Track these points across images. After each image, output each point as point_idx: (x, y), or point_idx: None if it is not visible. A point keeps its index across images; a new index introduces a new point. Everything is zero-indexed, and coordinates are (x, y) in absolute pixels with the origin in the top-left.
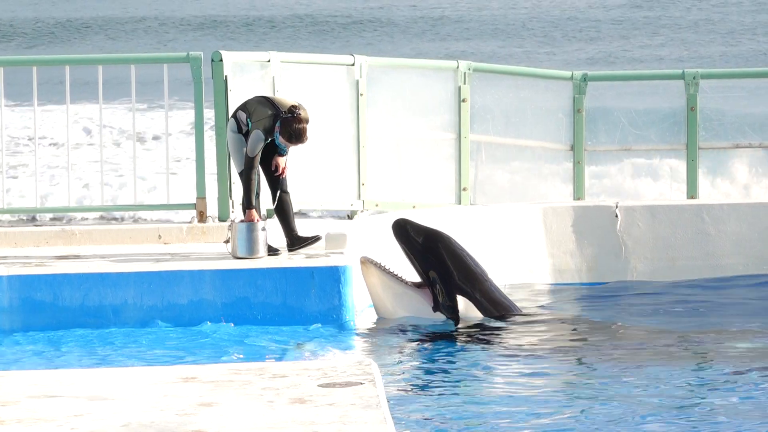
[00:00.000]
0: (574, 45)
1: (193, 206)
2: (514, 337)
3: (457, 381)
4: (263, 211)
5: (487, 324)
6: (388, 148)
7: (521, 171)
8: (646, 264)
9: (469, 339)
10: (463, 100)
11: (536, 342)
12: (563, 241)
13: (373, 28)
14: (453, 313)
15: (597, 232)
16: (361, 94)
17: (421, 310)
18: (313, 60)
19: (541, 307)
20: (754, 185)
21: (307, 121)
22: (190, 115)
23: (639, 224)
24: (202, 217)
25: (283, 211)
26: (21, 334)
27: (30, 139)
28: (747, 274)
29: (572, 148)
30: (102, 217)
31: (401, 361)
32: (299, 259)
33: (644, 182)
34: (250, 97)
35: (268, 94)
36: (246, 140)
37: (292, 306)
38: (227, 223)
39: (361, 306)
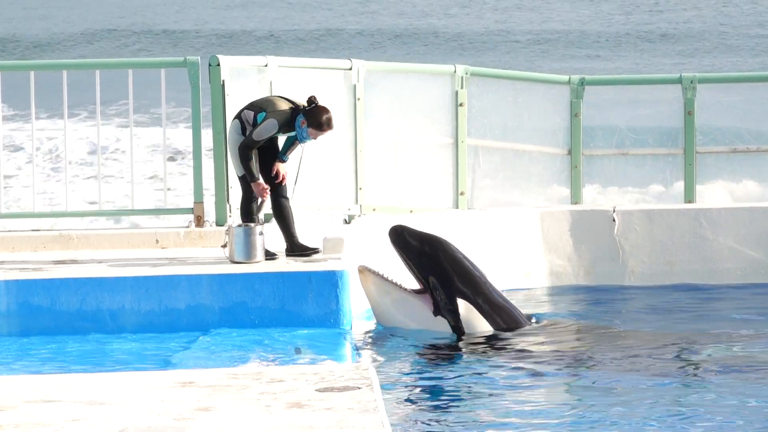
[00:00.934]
0: None
1: (191, 211)
2: (513, 344)
3: (455, 386)
4: (261, 216)
5: (486, 332)
6: (386, 152)
7: (518, 175)
8: (644, 268)
9: (467, 346)
10: (461, 105)
11: (535, 349)
12: (560, 245)
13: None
14: (454, 317)
15: (594, 236)
16: (359, 99)
17: (422, 315)
18: (311, 64)
19: (539, 312)
20: (752, 190)
21: (330, 110)
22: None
23: (636, 228)
24: (199, 221)
25: (282, 216)
26: (19, 339)
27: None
28: (746, 282)
29: (570, 152)
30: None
31: (399, 366)
32: (297, 264)
33: (642, 186)
34: (249, 100)
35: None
36: None
37: (290, 310)
38: (225, 228)
39: (358, 310)
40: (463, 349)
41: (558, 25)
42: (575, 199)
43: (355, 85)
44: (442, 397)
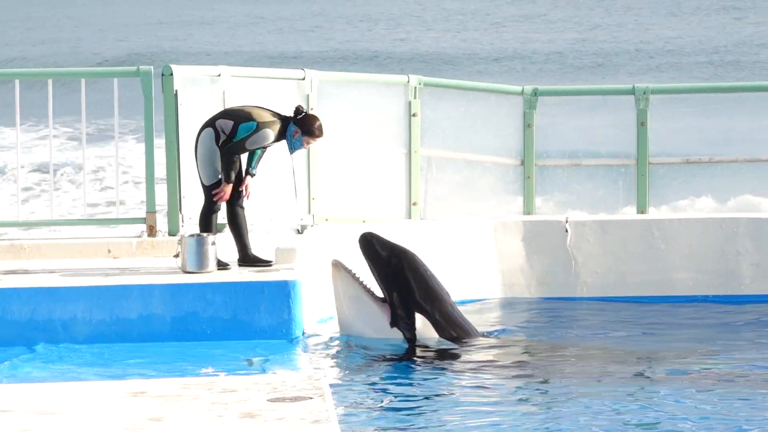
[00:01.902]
0: None
1: (143, 221)
2: (466, 356)
3: (407, 396)
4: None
5: (439, 343)
6: (339, 162)
7: (472, 186)
8: (596, 279)
9: (420, 357)
10: (414, 115)
11: (487, 361)
12: (513, 255)
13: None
14: (409, 330)
15: (547, 246)
16: (312, 109)
17: (379, 323)
18: (264, 74)
19: (491, 323)
20: (705, 201)
21: (319, 117)
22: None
23: (589, 239)
24: (152, 231)
25: (237, 225)
26: None
27: None
28: (698, 293)
29: (522, 162)
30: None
31: (351, 376)
32: (249, 274)
33: (594, 197)
34: (202, 110)
35: (220, 107)
36: (220, 152)
37: (242, 320)
38: (177, 238)
39: (311, 321)
40: (416, 360)
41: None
42: (528, 209)
43: (308, 95)
44: (394, 407)
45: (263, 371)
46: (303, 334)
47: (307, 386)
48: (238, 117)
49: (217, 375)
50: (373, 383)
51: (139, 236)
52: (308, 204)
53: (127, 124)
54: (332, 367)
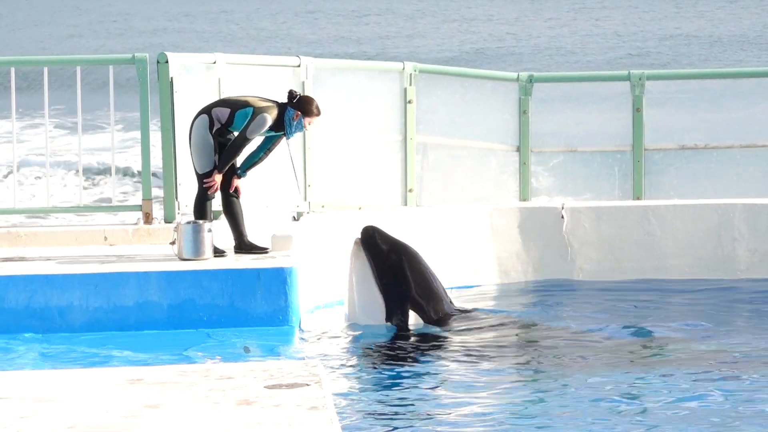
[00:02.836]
0: None
1: (139, 208)
2: (462, 341)
3: (404, 383)
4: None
5: (434, 330)
6: (335, 149)
7: (467, 172)
8: (592, 265)
9: (417, 343)
10: (409, 102)
11: (485, 347)
12: (509, 242)
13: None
14: (403, 328)
15: (543, 233)
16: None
17: (377, 313)
18: (259, 62)
19: (487, 309)
20: (700, 186)
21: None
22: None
23: (585, 225)
24: (147, 218)
25: (232, 213)
26: None
27: None
28: (693, 278)
29: (518, 149)
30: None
31: (348, 363)
32: (245, 261)
33: (590, 183)
34: (198, 97)
35: (215, 94)
36: (214, 141)
37: (239, 307)
38: (173, 225)
39: (307, 307)
40: (415, 347)
41: None
42: (524, 195)
43: (303, 82)
44: (391, 394)
45: (260, 358)
46: (299, 321)
47: (303, 373)
48: (235, 105)
49: (214, 362)
50: (370, 369)
51: (136, 224)
52: (304, 191)
53: (117, 114)
54: (329, 353)
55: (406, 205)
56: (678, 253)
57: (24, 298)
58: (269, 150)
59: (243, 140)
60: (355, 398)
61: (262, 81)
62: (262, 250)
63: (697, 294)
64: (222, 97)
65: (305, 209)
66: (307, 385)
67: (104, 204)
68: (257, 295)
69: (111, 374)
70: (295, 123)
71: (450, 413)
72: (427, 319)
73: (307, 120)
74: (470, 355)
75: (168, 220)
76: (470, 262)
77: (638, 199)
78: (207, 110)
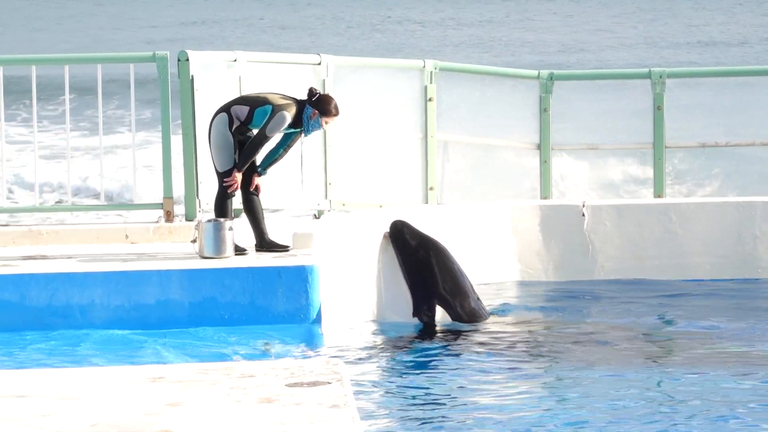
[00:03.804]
0: None
1: (161, 206)
2: (485, 339)
3: (425, 381)
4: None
5: (457, 326)
6: (355, 147)
7: (488, 170)
8: (613, 263)
9: (439, 340)
10: (430, 99)
11: (507, 344)
12: (530, 239)
13: None
14: (430, 324)
15: (564, 230)
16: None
17: (403, 308)
18: (280, 59)
19: (509, 306)
20: (721, 184)
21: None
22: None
23: (606, 223)
24: (169, 216)
25: (253, 211)
26: None
27: None
28: (715, 277)
29: (539, 147)
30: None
31: (369, 361)
32: (266, 259)
33: (611, 181)
34: (218, 95)
35: (236, 92)
36: (233, 138)
37: (260, 305)
38: (194, 223)
39: (328, 305)
40: (437, 345)
41: None
42: (545, 193)
43: (324, 80)
44: (413, 392)
45: (281, 356)
46: (320, 319)
47: (325, 371)
48: (255, 102)
49: (235, 360)
50: (392, 367)
51: (157, 222)
52: (325, 189)
53: (126, 115)
54: (350, 351)
55: (427, 202)
56: (699, 251)
57: (45, 296)
58: (288, 147)
59: (262, 138)
60: (377, 396)
61: (282, 79)
62: (283, 248)
63: (717, 292)
64: (241, 95)
65: (326, 207)
66: (329, 383)
67: (125, 202)
68: (278, 293)
69: (133, 372)
70: (312, 121)
71: (475, 411)
72: (455, 316)
73: (324, 119)
74: (497, 353)
75: (189, 218)
76: (491, 259)
77: (659, 196)
78: (226, 108)
